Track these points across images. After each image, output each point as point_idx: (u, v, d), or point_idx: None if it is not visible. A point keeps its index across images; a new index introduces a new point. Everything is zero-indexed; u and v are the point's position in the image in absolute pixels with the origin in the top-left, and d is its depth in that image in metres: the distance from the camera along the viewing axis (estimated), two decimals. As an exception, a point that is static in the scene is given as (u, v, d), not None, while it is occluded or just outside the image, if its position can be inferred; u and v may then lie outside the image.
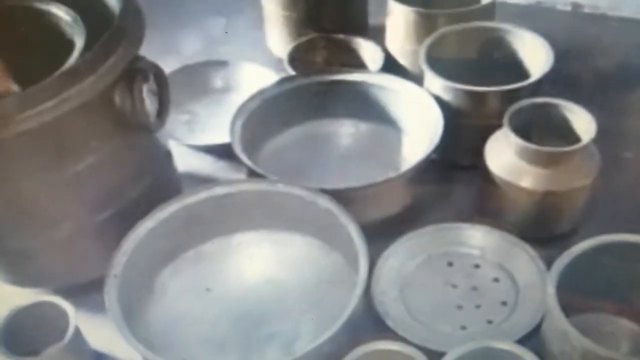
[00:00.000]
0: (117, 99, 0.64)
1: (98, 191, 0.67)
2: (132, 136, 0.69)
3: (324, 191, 0.68)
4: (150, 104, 0.69)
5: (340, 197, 0.67)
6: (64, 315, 0.63)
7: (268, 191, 0.70)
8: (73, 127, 0.62)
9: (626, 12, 1.05)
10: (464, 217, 0.74)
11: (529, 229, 0.71)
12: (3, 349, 0.61)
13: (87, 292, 0.68)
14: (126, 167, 0.69)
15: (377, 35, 0.95)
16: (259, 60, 0.97)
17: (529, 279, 0.67)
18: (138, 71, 0.65)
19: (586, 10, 1.08)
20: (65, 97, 0.58)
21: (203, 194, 0.70)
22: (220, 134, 0.82)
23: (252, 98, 0.81)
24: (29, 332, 0.65)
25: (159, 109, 0.69)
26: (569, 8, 1.09)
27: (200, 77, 0.94)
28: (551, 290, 0.58)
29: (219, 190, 0.71)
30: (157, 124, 0.69)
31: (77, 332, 0.64)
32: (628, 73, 0.95)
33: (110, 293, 0.62)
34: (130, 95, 0.65)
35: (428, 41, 0.82)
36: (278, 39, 1.00)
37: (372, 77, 0.84)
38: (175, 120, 0.90)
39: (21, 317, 0.64)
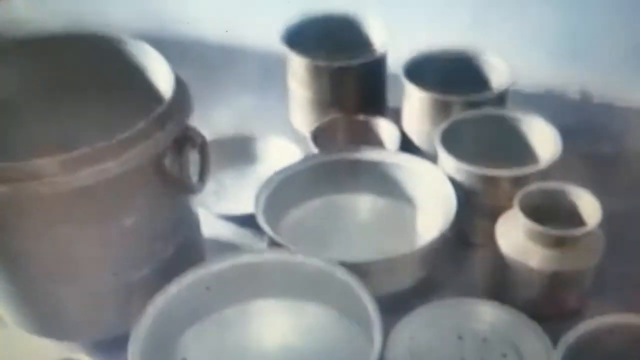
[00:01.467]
0: (167, 163, 0.70)
1: (136, 249, 0.72)
2: (173, 197, 0.74)
3: (342, 263, 0.71)
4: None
5: (357, 269, 0.71)
6: (89, 373, 0.67)
7: (288, 261, 0.74)
8: (124, 187, 0.67)
9: (634, 102, 1.10)
10: (475, 293, 0.77)
11: (537, 306, 0.74)
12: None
13: (112, 349, 0.71)
14: (163, 227, 0.74)
15: (394, 116, 1.00)
16: (284, 136, 1.02)
17: (535, 355, 0.69)
18: (187, 139, 0.72)
19: (595, 99, 1.14)
20: (124, 160, 0.64)
21: (227, 262, 0.74)
22: (245, 204, 0.87)
23: (278, 173, 0.86)
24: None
25: (200, 173, 0.75)
26: (578, 96, 1.15)
27: (229, 149, 1.00)
28: (556, 363, 0.61)
29: (241, 259, 0.74)
30: (198, 185, 0.75)
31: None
32: (633, 159, 1.00)
33: (134, 354, 0.65)
34: (179, 160, 0.72)
35: (443, 125, 0.87)
36: (302, 118, 1.06)
37: (390, 156, 0.89)
38: (205, 190, 0.95)
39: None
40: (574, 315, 0.73)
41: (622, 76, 1.11)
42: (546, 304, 0.75)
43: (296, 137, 1.03)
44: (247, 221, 0.88)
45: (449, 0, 1.13)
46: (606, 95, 1.12)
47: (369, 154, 0.89)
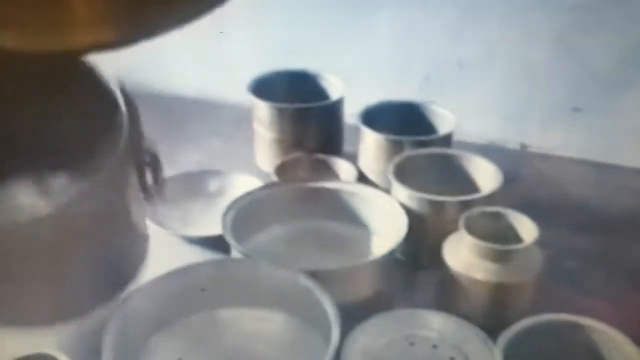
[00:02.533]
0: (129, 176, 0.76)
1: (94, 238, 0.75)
2: (130, 205, 0.79)
3: (304, 271, 0.77)
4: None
5: (318, 277, 0.76)
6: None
7: (254, 271, 0.79)
8: None
9: (570, 152, 1.22)
10: (425, 305, 0.83)
11: (482, 316, 0.81)
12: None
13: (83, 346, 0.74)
14: (120, 225, 0.78)
15: (352, 158, 1.09)
16: (248, 172, 1.09)
17: (481, 357, 0.75)
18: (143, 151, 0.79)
19: (532, 149, 1.25)
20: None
21: (193, 270, 0.79)
22: (209, 229, 0.92)
23: (243, 196, 0.92)
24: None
25: (154, 179, 0.82)
26: (517, 147, 1.26)
27: (196, 182, 1.06)
28: (498, 355, 0.67)
29: (207, 269, 0.80)
30: (156, 189, 0.82)
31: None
32: (562, 200, 1.11)
33: (107, 352, 0.69)
34: (138, 171, 0.78)
35: (395, 160, 0.96)
36: (266, 157, 1.13)
37: (347, 185, 0.96)
38: (170, 216, 1.00)
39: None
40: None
41: (557, 131, 1.23)
42: (491, 313, 0.81)
43: (260, 174, 1.10)
44: (210, 243, 0.93)
45: (404, 62, 1.26)
46: (543, 146, 1.24)
47: (327, 184, 0.96)
